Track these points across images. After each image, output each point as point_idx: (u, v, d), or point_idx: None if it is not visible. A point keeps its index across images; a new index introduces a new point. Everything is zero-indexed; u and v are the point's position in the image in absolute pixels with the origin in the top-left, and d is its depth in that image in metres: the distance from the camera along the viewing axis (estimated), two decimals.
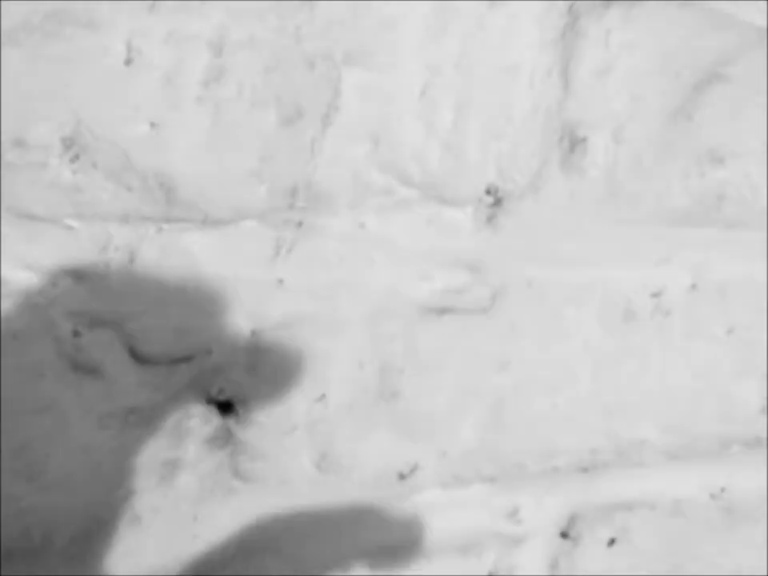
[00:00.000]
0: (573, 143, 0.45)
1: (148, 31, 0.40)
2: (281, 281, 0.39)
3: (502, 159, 0.44)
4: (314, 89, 0.40)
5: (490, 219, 0.44)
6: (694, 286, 0.54)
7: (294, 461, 0.41)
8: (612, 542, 0.55)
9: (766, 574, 0.61)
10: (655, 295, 0.52)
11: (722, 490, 0.58)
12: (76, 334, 0.39)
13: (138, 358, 0.38)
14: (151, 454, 0.38)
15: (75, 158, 0.40)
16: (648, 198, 0.49)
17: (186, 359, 0.38)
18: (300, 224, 0.38)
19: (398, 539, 0.46)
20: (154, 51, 0.40)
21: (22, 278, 0.40)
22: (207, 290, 0.38)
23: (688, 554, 0.57)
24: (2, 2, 0.39)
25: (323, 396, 0.41)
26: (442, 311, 0.43)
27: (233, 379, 0.39)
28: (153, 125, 0.37)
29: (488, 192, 0.43)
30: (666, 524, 0.56)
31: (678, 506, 0.56)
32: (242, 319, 0.39)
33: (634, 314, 0.51)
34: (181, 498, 0.38)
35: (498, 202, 0.43)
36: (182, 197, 0.37)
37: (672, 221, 0.51)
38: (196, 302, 0.38)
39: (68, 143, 0.40)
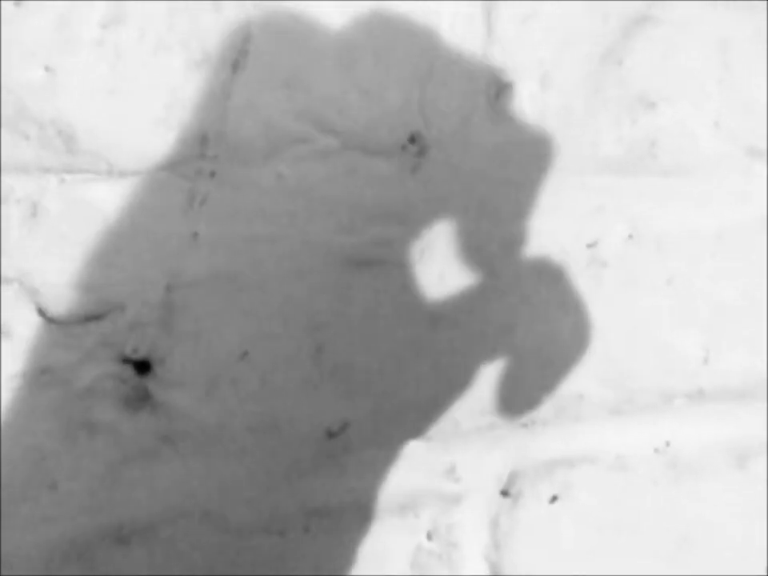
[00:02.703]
0: (499, 90, 0.47)
1: None
2: (195, 234, 0.40)
3: (425, 106, 0.45)
4: (223, 32, 0.41)
5: (416, 169, 0.45)
6: (630, 237, 0.56)
7: (217, 421, 0.42)
8: (554, 498, 0.57)
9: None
10: (590, 246, 0.54)
11: (667, 444, 0.60)
12: None
13: (47, 316, 0.38)
14: (65, 416, 0.39)
15: None
16: (579, 146, 0.51)
17: (98, 317, 0.39)
18: (213, 174, 0.39)
19: (331, 500, 0.47)
20: None
21: None
22: (116, 244, 0.39)
23: (633, 509, 0.59)
24: None
25: (246, 353, 0.42)
26: (369, 263, 0.45)
27: (149, 337, 0.40)
28: (48, 69, 0.38)
29: (412, 140, 0.45)
30: (610, 479, 0.58)
31: (621, 461, 0.58)
32: (156, 275, 0.40)
33: (570, 266, 0.53)
34: (99, 461, 0.39)
35: (423, 151, 0.45)
36: (83, 146, 0.38)
37: (605, 169, 0.53)
38: (105, 257, 0.39)
39: None
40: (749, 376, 0.65)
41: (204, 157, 0.43)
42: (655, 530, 0.64)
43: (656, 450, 0.63)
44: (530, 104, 0.53)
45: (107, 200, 0.42)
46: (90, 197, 0.42)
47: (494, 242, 0.52)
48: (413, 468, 0.53)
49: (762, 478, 0.67)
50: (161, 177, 0.43)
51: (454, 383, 0.53)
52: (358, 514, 0.51)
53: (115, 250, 0.43)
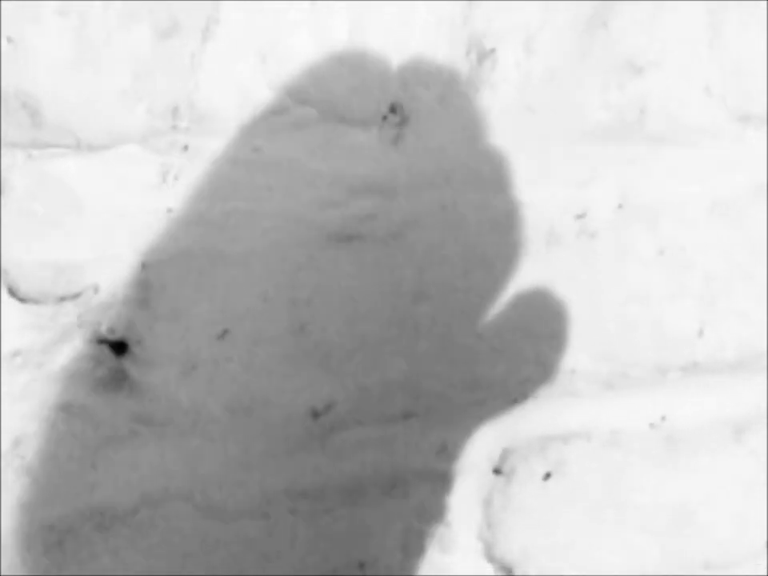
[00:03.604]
0: (481, 56, 0.47)
1: None
2: (170, 210, 0.40)
3: (405, 74, 0.45)
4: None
5: (397, 139, 0.45)
6: (620, 206, 0.56)
7: (197, 401, 0.42)
8: (548, 475, 0.57)
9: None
10: (579, 217, 0.54)
11: (663, 418, 0.60)
12: None
13: (18, 296, 0.38)
14: (40, 399, 0.39)
15: None
16: (566, 114, 0.51)
17: (72, 297, 0.39)
18: (186, 147, 0.39)
19: (317, 480, 0.47)
20: None
21: None
22: (88, 221, 0.39)
23: (628, 485, 0.59)
24: None
25: (226, 332, 0.42)
26: (351, 238, 0.45)
27: (125, 317, 0.40)
28: (10, 40, 0.38)
29: (392, 110, 0.45)
30: (604, 455, 0.58)
31: (615, 436, 0.58)
32: (130, 252, 0.40)
33: (558, 238, 0.53)
34: (76, 445, 0.39)
35: (404, 121, 0.44)
36: (49, 119, 0.37)
37: (593, 137, 0.53)
38: (76, 235, 0.39)
39: None
40: (744, 348, 0.65)
41: (176, 129, 0.43)
42: (651, 505, 0.64)
43: (651, 425, 0.63)
44: (513, 70, 0.53)
45: (77, 175, 0.42)
46: (59, 172, 0.42)
47: (478, 213, 0.52)
48: (402, 447, 0.53)
49: (759, 450, 0.67)
50: (132, 151, 0.43)
51: (441, 359, 0.53)
52: (345, 495, 0.51)
53: (87, 227, 0.43)
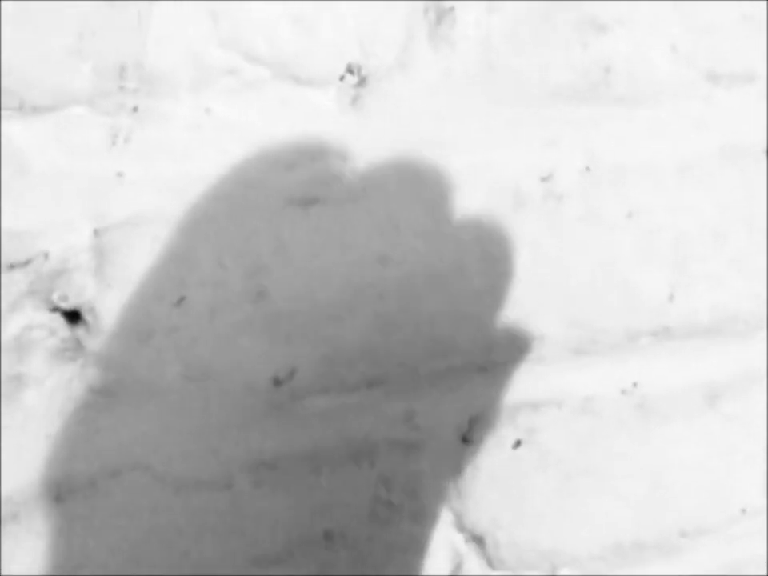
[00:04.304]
0: (439, 14, 0.47)
1: None
2: (120, 174, 0.40)
3: (362, 33, 0.46)
4: None
5: (355, 100, 0.45)
6: (587, 169, 0.56)
7: (154, 370, 0.42)
8: (518, 443, 0.57)
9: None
10: (545, 179, 0.54)
11: (634, 385, 0.61)
12: None
13: None
14: None
15: None
16: (529, 74, 0.51)
17: (21, 265, 0.39)
18: (135, 109, 0.39)
19: (281, 450, 0.47)
20: None
21: None
22: (35, 186, 0.39)
23: (600, 453, 0.59)
24: None
25: (182, 299, 0.42)
26: (309, 203, 0.45)
27: (77, 284, 0.39)
28: None
29: (350, 71, 0.45)
30: (576, 423, 0.59)
31: (587, 403, 0.59)
32: (81, 218, 0.40)
33: (524, 201, 0.54)
34: (29, 416, 0.39)
35: (362, 82, 0.45)
36: None
37: (557, 98, 0.53)
38: (23, 201, 0.39)
39: None
40: (717, 312, 0.66)
41: (124, 90, 0.43)
42: (625, 473, 0.65)
43: (623, 392, 0.63)
44: (473, 29, 0.53)
45: (21, 139, 0.42)
46: (3, 136, 0.41)
47: (441, 176, 0.52)
48: (367, 416, 0.53)
49: (733, 416, 0.67)
50: (79, 112, 0.43)
51: (406, 326, 0.53)
52: (310, 465, 0.51)
53: (35, 192, 0.42)
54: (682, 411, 0.64)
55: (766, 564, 0.69)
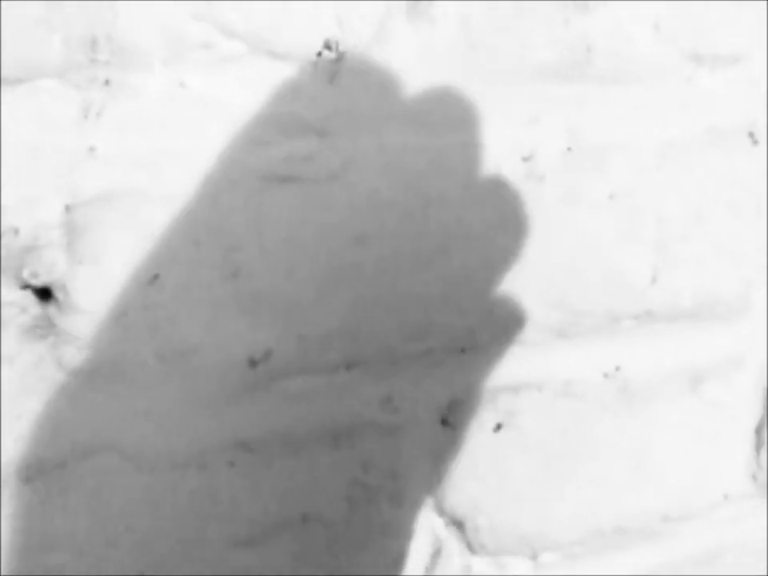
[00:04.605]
0: None
1: None
2: (93, 149, 0.39)
3: (339, 9, 0.45)
4: None
5: (333, 77, 0.45)
6: (568, 149, 0.56)
7: (127, 350, 0.42)
8: (498, 427, 0.57)
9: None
10: (526, 160, 0.54)
11: (617, 368, 0.61)
12: None
13: None
14: None
15: None
16: (509, 51, 0.51)
17: None
18: (107, 82, 0.39)
19: (256, 431, 0.47)
20: None
21: None
22: (5, 160, 0.39)
23: (582, 436, 0.60)
24: None
25: (156, 277, 0.41)
26: (286, 181, 0.45)
27: (48, 261, 0.39)
28: None
29: (327, 47, 0.44)
30: (557, 406, 0.59)
31: (568, 387, 0.59)
32: (51, 193, 0.40)
33: (505, 181, 0.53)
34: None
35: (339, 58, 0.44)
36: None
37: (538, 76, 0.53)
38: None
39: None
40: (699, 295, 0.66)
41: (95, 63, 0.43)
42: (607, 457, 0.65)
43: (605, 375, 0.64)
44: (453, 6, 0.53)
45: None
46: None
47: (420, 154, 0.52)
48: (345, 398, 0.53)
49: (717, 401, 0.67)
50: (49, 85, 0.42)
51: (384, 307, 0.53)
52: (286, 447, 0.51)
53: (4, 167, 0.42)
54: (664, 395, 0.64)
55: (747, 549, 0.69)
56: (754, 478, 0.68)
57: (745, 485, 0.67)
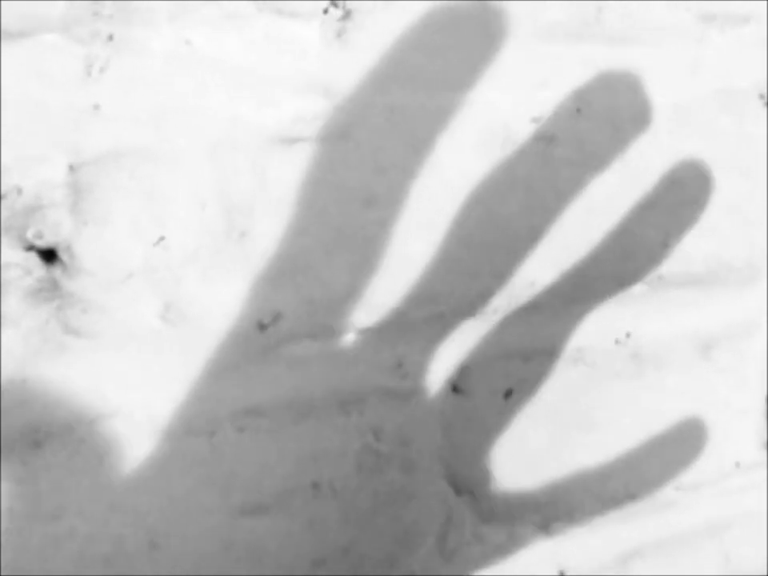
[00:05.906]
0: None
1: None
2: (97, 106, 0.39)
3: None
4: None
5: (340, 35, 0.44)
6: (578, 111, 0.56)
7: (133, 312, 0.41)
8: (509, 393, 0.57)
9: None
10: (536, 120, 0.53)
11: (627, 335, 0.60)
12: None
13: None
14: None
15: None
16: (519, 12, 0.50)
17: None
18: (111, 37, 0.38)
19: (266, 396, 0.47)
20: None
21: None
22: (7, 118, 0.38)
23: (593, 403, 0.59)
24: None
25: (162, 238, 0.41)
26: (293, 141, 0.44)
27: (52, 221, 0.39)
28: None
29: (334, 4, 0.43)
30: (568, 373, 0.59)
31: (579, 353, 0.58)
32: (55, 151, 0.39)
33: (515, 142, 0.52)
34: (5, 358, 0.38)
35: (347, 15, 0.44)
36: None
37: (549, 37, 0.53)
38: None
39: None
40: (710, 261, 0.66)
41: (98, 16, 0.42)
42: (618, 424, 0.65)
43: (616, 341, 0.63)
44: None
45: None
46: None
47: (429, 114, 0.52)
48: (355, 363, 0.53)
49: (728, 368, 0.67)
50: (51, 40, 0.42)
51: (394, 270, 0.53)
52: (296, 413, 0.51)
53: (7, 124, 0.41)
54: (675, 362, 0.64)
55: (759, 518, 0.69)
56: (765, 445, 0.68)
57: (756, 453, 0.67)
